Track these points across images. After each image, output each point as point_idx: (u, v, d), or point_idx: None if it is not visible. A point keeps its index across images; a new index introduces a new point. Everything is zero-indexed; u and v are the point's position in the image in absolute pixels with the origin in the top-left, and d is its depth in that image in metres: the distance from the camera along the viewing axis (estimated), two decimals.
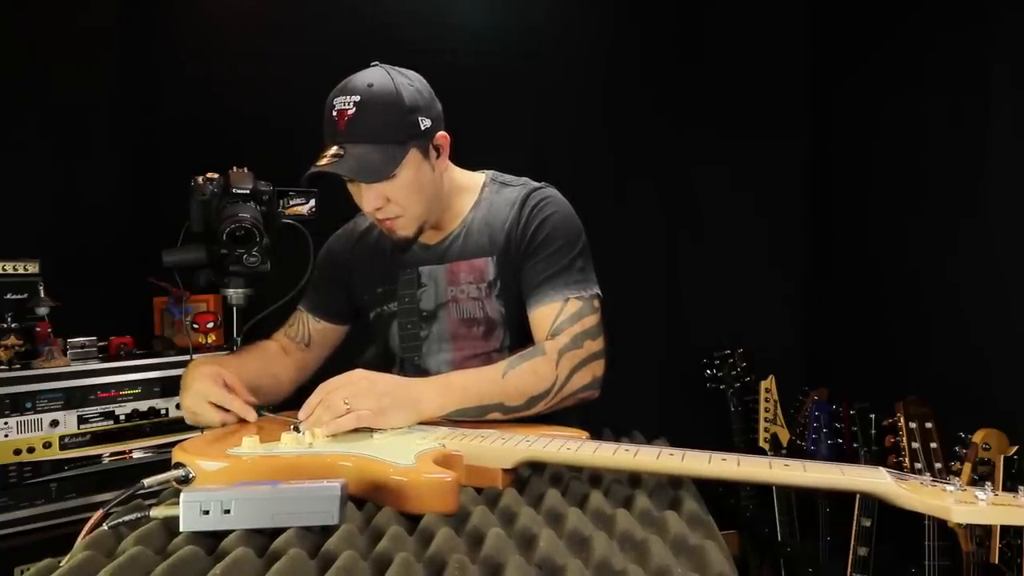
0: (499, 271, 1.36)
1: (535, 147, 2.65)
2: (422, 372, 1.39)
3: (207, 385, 1.20)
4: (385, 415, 1.07)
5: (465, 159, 1.45)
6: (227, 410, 1.19)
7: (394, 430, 1.07)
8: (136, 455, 1.82)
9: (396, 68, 1.28)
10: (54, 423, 1.71)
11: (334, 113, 1.22)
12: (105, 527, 0.83)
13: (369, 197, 1.26)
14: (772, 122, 2.86)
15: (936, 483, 0.79)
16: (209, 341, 2.01)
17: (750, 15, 2.86)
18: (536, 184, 1.41)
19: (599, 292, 1.33)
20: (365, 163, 1.21)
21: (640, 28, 2.82)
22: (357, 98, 1.21)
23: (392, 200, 1.27)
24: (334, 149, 1.21)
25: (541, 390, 1.21)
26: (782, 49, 2.88)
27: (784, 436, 2.49)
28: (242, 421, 1.19)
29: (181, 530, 0.79)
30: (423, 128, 1.26)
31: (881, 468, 0.84)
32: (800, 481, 0.85)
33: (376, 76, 1.24)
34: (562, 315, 1.28)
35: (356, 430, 1.05)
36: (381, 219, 1.31)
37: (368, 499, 0.91)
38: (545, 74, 2.70)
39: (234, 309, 1.59)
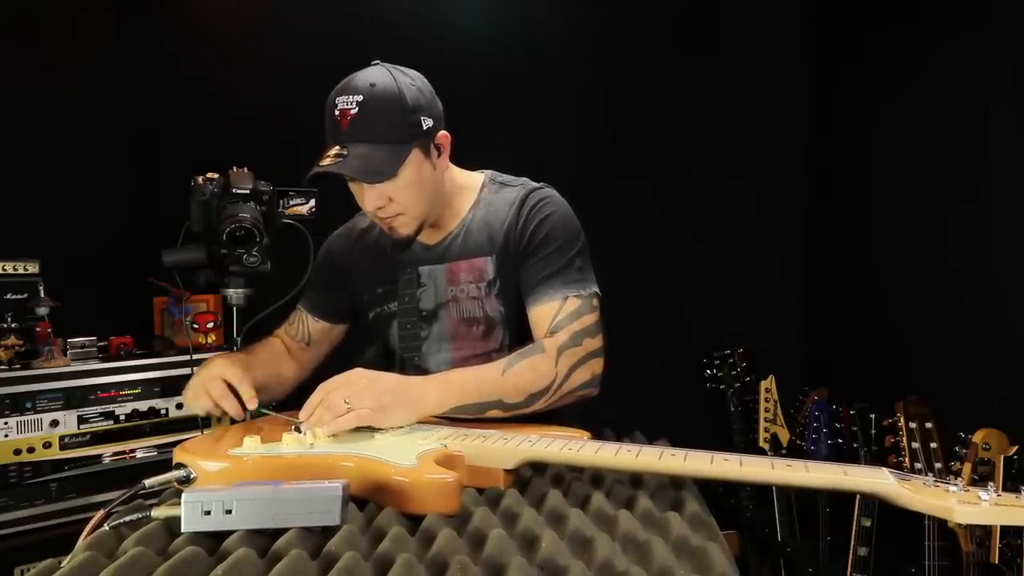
0: (498, 271, 1.36)
1: (535, 147, 2.64)
2: (422, 372, 1.39)
3: (211, 377, 1.23)
4: (386, 413, 1.07)
5: (465, 159, 1.45)
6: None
7: (396, 430, 1.07)
8: (136, 455, 1.82)
9: (397, 67, 1.28)
10: (54, 423, 1.70)
11: (336, 112, 1.22)
12: (106, 527, 0.83)
13: (371, 197, 1.26)
14: (772, 122, 2.86)
15: (939, 483, 0.78)
16: (209, 341, 2.01)
17: (750, 16, 2.86)
18: (535, 184, 1.41)
19: (598, 291, 1.33)
20: (368, 163, 1.21)
21: (640, 29, 2.82)
22: (360, 97, 1.20)
23: (394, 199, 1.27)
24: (336, 149, 1.21)
25: (540, 387, 1.21)
26: (782, 48, 2.87)
27: (784, 436, 2.49)
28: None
29: (182, 530, 0.78)
30: (425, 128, 1.26)
31: (884, 468, 0.83)
32: (803, 482, 0.84)
33: (378, 75, 1.24)
34: (561, 313, 1.28)
35: (357, 430, 1.05)
36: (382, 218, 1.31)
37: (370, 499, 0.91)
38: (545, 74, 2.69)
39: (234, 309, 1.58)
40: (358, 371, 1.11)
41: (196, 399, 1.24)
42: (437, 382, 1.17)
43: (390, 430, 1.07)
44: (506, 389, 1.19)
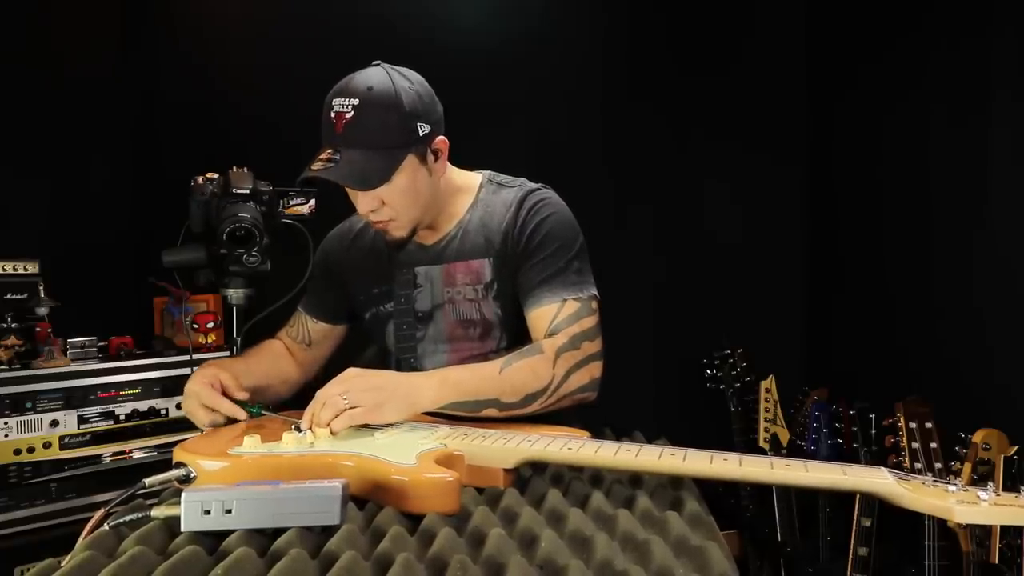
0: (496, 273, 1.35)
1: (535, 147, 2.64)
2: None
3: (200, 387, 1.22)
4: (381, 409, 1.06)
5: (462, 160, 1.44)
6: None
7: (396, 430, 1.07)
8: (136, 455, 1.82)
9: (398, 69, 1.25)
10: (54, 423, 1.70)
11: (332, 114, 1.20)
12: (106, 527, 0.83)
13: (364, 200, 1.26)
14: (773, 122, 2.87)
15: (938, 483, 0.78)
16: (209, 341, 2.01)
17: (749, 26, 2.87)
18: (533, 185, 1.40)
19: (596, 294, 1.32)
20: (358, 170, 1.20)
21: (641, 32, 2.82)
22: (356, 101, 1.19)
23: (387, 203, 1.26)
24: (328, 152, 1.20)
25: (537, 388, 1.20)
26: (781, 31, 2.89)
27: (784, 436, 2.49)
28: (232, 421, 1.20)
29: (182, 530, 0.79)
30: (422, 134, 1.24)
31: (883, 468, 0.83)
32: (802, 481, 0.84)
33: (377, 78, 1.22)
34: (560, 316, 1.27)
35: (358, 429, 1.05)
36: (375, 221, 1.30)
37: (369, 499, 0.91)
38: (545, 74, 2.70)
39: (234, 309, 1.59)
40: (352, 370, 1.11)
41: (193, 412, 1.23)
42: (434, 379, 1.16)
43: (390, 430, 1.07)
44: (503, 388, 1.18)
